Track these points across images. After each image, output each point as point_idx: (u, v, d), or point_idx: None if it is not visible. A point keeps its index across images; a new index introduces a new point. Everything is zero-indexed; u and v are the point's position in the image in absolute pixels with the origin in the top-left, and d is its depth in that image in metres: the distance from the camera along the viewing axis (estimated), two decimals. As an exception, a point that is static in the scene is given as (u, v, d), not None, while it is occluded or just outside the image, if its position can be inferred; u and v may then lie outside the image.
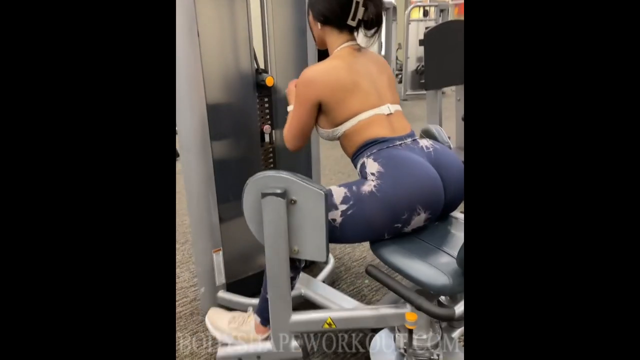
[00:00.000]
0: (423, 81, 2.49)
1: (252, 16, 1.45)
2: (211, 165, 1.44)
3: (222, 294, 1.56)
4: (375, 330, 1.30)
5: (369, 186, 1.03)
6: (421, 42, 2.35)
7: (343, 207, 1.04)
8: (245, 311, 1.34)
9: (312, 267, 1.83)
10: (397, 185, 1.01)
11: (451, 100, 3.81)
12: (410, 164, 1.04)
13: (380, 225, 1.04)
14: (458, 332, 1.26)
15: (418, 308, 0.94)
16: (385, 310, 1.07)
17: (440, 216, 1.14)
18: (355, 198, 1.03)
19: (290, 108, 1.23)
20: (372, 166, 1.05)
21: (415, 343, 1.05)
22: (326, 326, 1.09)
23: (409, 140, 1.12)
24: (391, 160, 1.04)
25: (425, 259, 1.00)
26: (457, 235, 1.10)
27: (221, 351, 1.21)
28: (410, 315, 0.98)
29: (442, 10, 5.99)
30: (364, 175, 1.08)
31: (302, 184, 0.98)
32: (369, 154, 1.08)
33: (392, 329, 1.22)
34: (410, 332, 1.00)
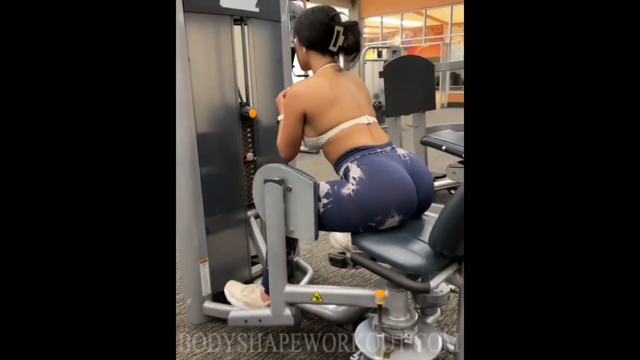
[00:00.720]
0: (383, 109, 2.74)
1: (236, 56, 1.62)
2: (198, 181, 1.54)
3: (208, 304, 1.62)
4: (355, 326, 1.42)
5: (348, 189, 1.19)
6: (381, 74, 2.61)
7: (324, 200, 1.21)
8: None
9: (292, 280, 1.93)
10: (374, 192, 1.17)
11: (407, 134, 4.11)
12: (389, 171, 1.19)
13: (353, 222, 1.20)
14: (432, 319, 1.40)
15: (399, 284, 1.08)
16: (362, 291, 1.24)
17: (413, 217, 1.31)
18: (334, 196, 1.20)
19: (280, 117, 1.39)
20: (355, 171, 1.20)
21: (390, 323, 1.17)
22: (314, 299, 1.27)
23: (388, 148, 1.28)
24: (372, 167, 1.19)
25: (402, 245, 1.15)
26: (428, 227, 1.26)
27: (232, 314, 1.46)
28: (378, 292, 1.12)
29: (394, 52, 6.50)
30: (347, 178, 1.23)
31: (296, 175, 1.20)
32: (352, 159, 1.23)
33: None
34: (380, 308, 1.13)
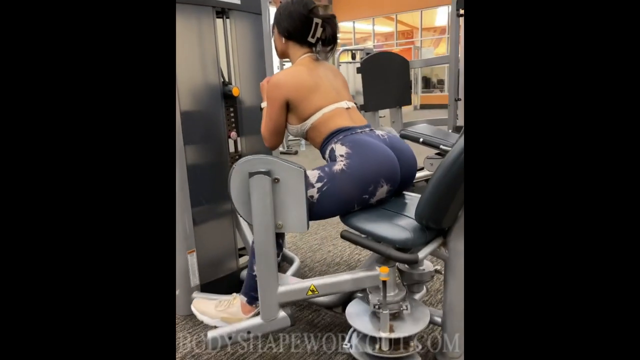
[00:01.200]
0: (361, 104, 2.80)
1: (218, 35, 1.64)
2: (185, 171, 1.55)
3: (197, 295, 1.62)
4: (344, 308, 1.44)
5: (339, 165, 1.23)
6: (359, 70, 2.67)
7: (318, 184, 1.22)
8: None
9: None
10: (363, 162, 1.21)
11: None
12: (372, 146, 1.25)
13: (350, 197, 1.22)
14: (418, 296, 1.44)
15: (388, 257, 1.12)
16: (360, 273, 1.22)
17: (397, 191, 1.36)
18: (328, 176, 1.22)
19: (263, 104, 1.42)
20: (340, 149, 1.25)
21: (382, 297, 1.21)
22: (310, 293, 1.22)
23: (367, 129, 1.34)
24: (357, 143, 1.25)
25: (389, 221, 1.19)
26: (413, 205, 1.31)
27: (211, 334, 1.23)
28: (383, 268, 1.15)
29: (367, 54, 6.62)
30: (333, 159, 1.27)
31: (284, 164, 1.13)
32: (336, 140, 1.28)
33: (362, 299, 1.38)
34: (384, 284, 1.16)
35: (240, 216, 1.20)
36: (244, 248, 1.89)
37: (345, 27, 14.18)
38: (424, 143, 2.62)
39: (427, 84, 13.51)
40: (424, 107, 12.45)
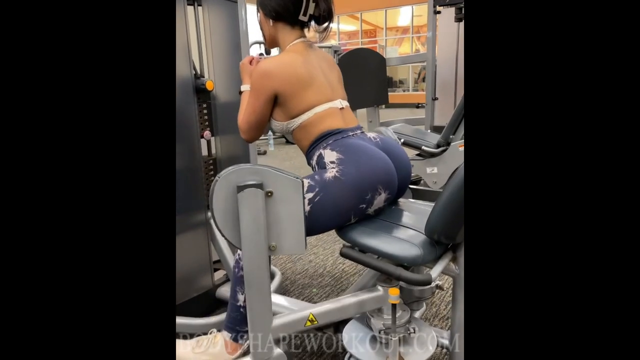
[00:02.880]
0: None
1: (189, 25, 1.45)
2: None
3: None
4: (340, 329, 1.30)
5: (331, 172, 1.08)
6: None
7: (309, 195, 1.06)
8: (206, 333, 1.22)
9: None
10: (359, 168, 1.07)
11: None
12: (366, 150, 1.11)
13: (347, 207, 1.08)
14: (418, 314, 1.33)
15: (398, 278, 0.98)
16: (363, 295, 1.07)
17: (394, 197, 1.23)
18: (320, 185, 1.07)
19: (243, 87, 1.24)
20: (330, 155, 1.10)
21: (387, 322, 1.08)
22: (308, 323, 1.06)
23: (358, 132, 1.19)
24: (349, 148, 1.10)
25: (393, 235, 1.06)
26: (413, 214, 1.19)
27: None
28: (393, 290, 1.00)
29: (335, 51, 6.51)
30: (322, 166, 1.12)
31: (278, 174, 0.93)
32: (324, 145, 1.12)
33: (359, 320, 1.24)
34: (394, 307, 1.02)
35: (225, 238, 1.01)
36: (218, 261, 1.70)
37: (309, 25, 14.05)
38: (405, 144, 2.52)
39: (389, 83, 13.63)
40: (387, 106, 12.56)
